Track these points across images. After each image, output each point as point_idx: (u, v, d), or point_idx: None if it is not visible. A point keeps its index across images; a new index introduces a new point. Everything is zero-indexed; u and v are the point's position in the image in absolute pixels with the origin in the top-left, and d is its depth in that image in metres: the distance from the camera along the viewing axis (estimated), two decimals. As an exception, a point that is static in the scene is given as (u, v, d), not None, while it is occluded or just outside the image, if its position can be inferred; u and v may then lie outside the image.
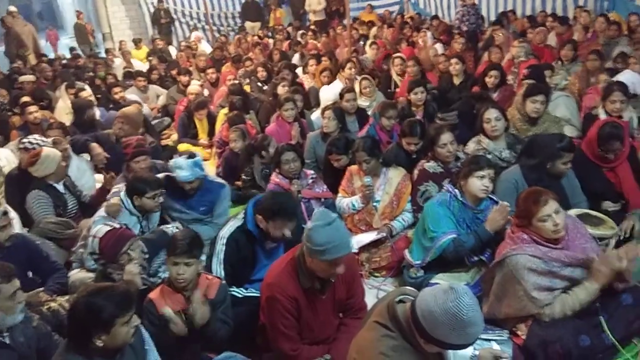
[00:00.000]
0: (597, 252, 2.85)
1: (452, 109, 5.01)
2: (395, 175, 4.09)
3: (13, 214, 3.72)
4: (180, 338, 2.66)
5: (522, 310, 2.78)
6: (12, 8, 12.69)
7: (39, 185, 4.10)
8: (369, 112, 5.77)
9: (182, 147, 6.59)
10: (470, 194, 3.29)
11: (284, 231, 2.99)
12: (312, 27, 12.83)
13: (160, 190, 3.68)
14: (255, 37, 12.45)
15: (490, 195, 3.37)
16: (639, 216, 3.41)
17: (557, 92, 5.43)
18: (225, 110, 6.39)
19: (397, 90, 6.90)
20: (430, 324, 1.94)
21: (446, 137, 3.88)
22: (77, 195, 4.37)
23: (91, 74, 9.92)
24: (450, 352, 2.20)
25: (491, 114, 4.15)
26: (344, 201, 4.17)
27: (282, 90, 6.48)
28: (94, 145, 5.05)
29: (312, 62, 7.91)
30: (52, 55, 13.64)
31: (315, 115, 6.14)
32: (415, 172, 4.09)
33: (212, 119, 6.64)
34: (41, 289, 3.09)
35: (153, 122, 7.03)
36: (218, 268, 3.07)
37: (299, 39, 11.38)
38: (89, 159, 5.24)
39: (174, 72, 9.11)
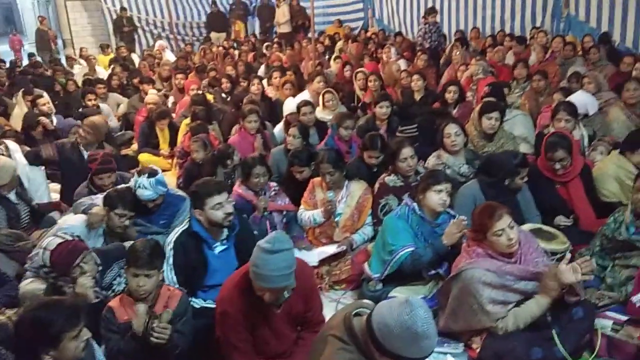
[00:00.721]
0: (549, 266, 2.92)
1: (412, 123, 5.09)
2: (357, 189, 4.12)
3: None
4: (137, 351, 2.59)
5: (476, 323, 2.83)
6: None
7: None
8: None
9: (143, 157, 6.49)
10: (428, 207, 3.34)
11: (222, 210, 3.01)
12: (278, 39, 12.88)
13: (129, 214, 3.60)
14: (220, 48, 12.41)
15: (447, 209, 3.43)
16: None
17: (515, 110, 5.58)
18: (188, 120, 6.31)
19: (360, 104, 6.98)
20: (386, 336, 1.94)
21: (407, 151, 3.93)
22: (29, 204, 4.24)
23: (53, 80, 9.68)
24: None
25: (451, 129, 4.23)
26: (305, 214, 4.17)
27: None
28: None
29: (276, 74, 7.92)
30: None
31: (277, 128, 6.13)
32: (376, 185, 4.12)
33: (174, 129, 6.56)
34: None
35: (115, 135, 6.94)
36: (170, 274, 3.03)
37: (264, 50, 11.39)
38: (43, 168, 5.11)
39: (136, 80, 8.97)
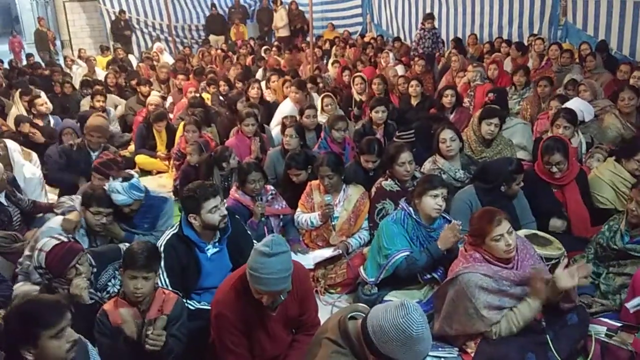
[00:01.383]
0: (546, 272, 2.92)
1: (410, 128, 5.11)
2: (354, 193, 4.12)
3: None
4: (131, 353, 2.58)
5: (471, 327, 2.83)
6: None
7: None
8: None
9: (140, 158, 6.50)
10: (424, 212, 3.35)
11: (217, 213, 3.02)
12: (277, 43, 12.91)
13: (106, 211, 3.59)
14: (219, 51, 12.43)
15: (443, 214, 3.44)
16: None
17: (515, 119, 5.61)
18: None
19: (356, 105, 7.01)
20: (380, 339, 1.95)
21: (405, 155, 3.94)
22: (19, 204, 4.24)
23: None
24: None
25: (447, 134, 4.24)
26: (302, 217, 4.17)
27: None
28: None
29: (273, 77, 7.94)
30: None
31: (275, 131, 6.14)
32: (373, 190, 4.13)
33: (171, 131, 6.57)
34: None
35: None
36: (162, 277, 3.02)
37: (262, 54, 11.42)
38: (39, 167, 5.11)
39: (133, 82, 8.98)
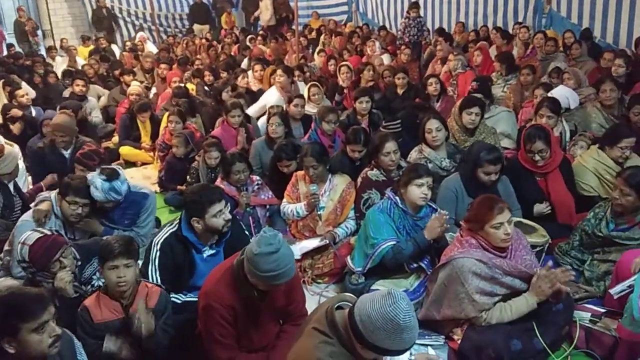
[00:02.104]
0: (536, 264, 2.97)
1: (396, 118, 5.10)
2: (340, 183, 4.12)
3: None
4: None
5: (460, 312, 2.84)
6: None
7: None
8: (313, 118, 5.81)
9: (124, 150, 6.44)
10: (410, 201, 3.35)
11: (222, 217, 2.98)
12: (262, 32, 12.80)
13: (82, 201, 3.55)
14: (204, 40, 12.30)
15: (429, 203, 3.45)
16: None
17: (499, 107, 5.62)
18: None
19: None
20: (367, 328, 1.95)
21: (390, 145, 3.94)
22: (21, 195, 4.23)
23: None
24: (387, 358, 2.23)
25: (432, 124, 4.25)
26: (288, 207, 4.16)
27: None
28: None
29: (257, 67, 7.88)
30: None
31: (261, 121, 6.11)
32: (359, 179, 4.13)
33: (155, 122, 6.50)
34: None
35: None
36: (154, 275, 2.99)
37: (247, 43, 11.33)
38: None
39: (117, 72, 8.87)
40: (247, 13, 15.00)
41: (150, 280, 2.92)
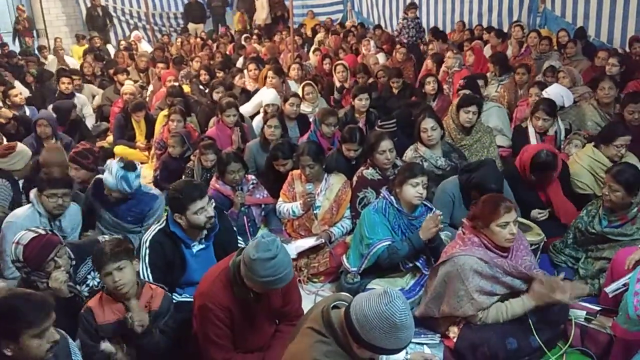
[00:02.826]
0: (535, 265, 2.98)
1: (391, 117, 5.10)
2: (336, 182, 4.12)
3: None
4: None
5: (458, 310, 2.84)
6: None
7: (5, 175, 4.04)
8: (311, 118, 5.79)
9: (119, 149, 6.40)
10: (405, 200, 3.35)
11: (204, 214, 2.97)
12: (257, 31, 12.77)
13: (61, 191, 3.50)
14: (198, 39, 12.26)
15: (425, 202, 3.44)
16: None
17: (489, 102, 5.64)
18: (165, 112, 6.24)
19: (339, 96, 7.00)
20: (364, 327, 1.95)
21: (386, 144, 3.94)
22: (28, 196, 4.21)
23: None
24: (384, 357, 2.23)
25: (427, 123, 4.24)
26: (284, 206, 4.16)
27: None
28: None
29: (251, 66, 7.85)
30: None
31: (255, 120, 6.09)
32: (354, 178, 4.13)
33: (150, 121, 6.47)
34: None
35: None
36: (145, 272, 2.99)
37: (243, 42, 11.30)
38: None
39: (111, 71, 8.83)
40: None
41: (142, 278, 2.91)
